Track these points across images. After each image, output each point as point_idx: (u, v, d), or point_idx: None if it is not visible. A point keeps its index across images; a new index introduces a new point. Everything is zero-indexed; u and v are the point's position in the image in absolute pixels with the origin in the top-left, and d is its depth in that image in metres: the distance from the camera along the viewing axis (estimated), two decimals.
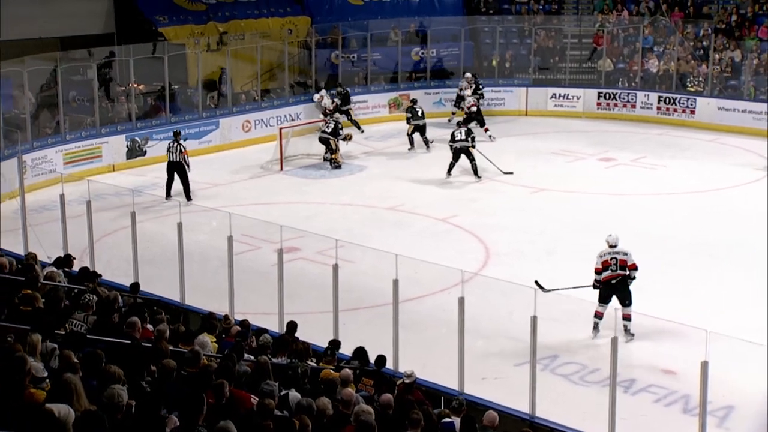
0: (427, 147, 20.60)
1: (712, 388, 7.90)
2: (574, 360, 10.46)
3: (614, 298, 10.96)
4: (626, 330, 10.80)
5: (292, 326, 9.25)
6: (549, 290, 10.89)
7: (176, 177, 16.81)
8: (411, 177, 18.45)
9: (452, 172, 18.14)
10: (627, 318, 10.84)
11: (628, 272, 10.91)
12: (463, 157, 18.05)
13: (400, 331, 9.43)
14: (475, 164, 18.04)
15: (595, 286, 11.03)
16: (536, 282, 11.02)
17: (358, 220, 15.95)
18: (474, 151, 18.03)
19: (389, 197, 17.22)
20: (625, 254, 10.97)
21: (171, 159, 16.85)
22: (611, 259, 10.94)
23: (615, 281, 10.90)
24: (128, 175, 18.80)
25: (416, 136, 20.67)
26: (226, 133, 21.29)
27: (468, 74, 23.03)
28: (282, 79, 23.17)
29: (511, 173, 18.23)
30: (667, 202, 16.74)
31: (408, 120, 20.84)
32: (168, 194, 16.72)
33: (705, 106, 22.55)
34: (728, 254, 13.70)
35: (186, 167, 16.80)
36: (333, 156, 19.21)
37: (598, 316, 10.92)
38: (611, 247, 11.03)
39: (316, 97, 22.10)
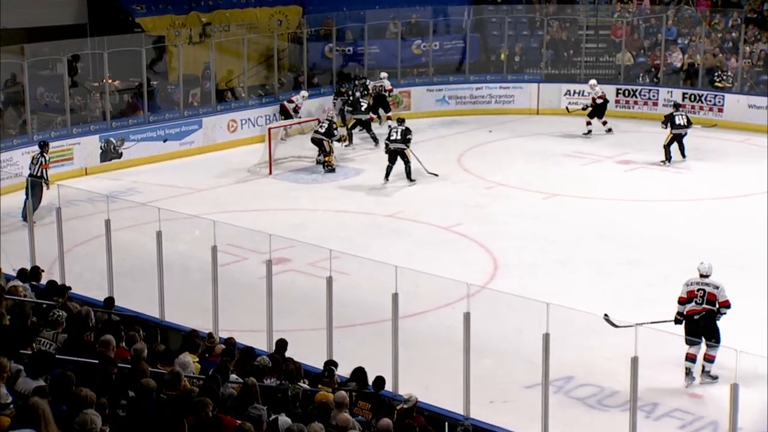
0: (376, 143, 20.83)
1: (743, 412, 7.90)
2: (591, 382, 10.46)
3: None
4: (705, 371, 10.36)
5: (282, 344, 9.25)
6: (621, 326, 10.28)
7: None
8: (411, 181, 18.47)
9: (390, 175, 18.19)
10: (710, 359, 10.34)
11: (717, 308, 10.36)
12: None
13: (399, 349, 9.41)
14: (410, 167, 18.11)
15: (677, 320, 10.51)
16: (605, 317, 10.65)
17: (353, 228, 15.96)
18: (408, 153, 18.14)
19: (388, 203, 17.23)
20: (717, 288, 10.45)
21: (31, 172, 15.89)
22: (698, 290, 10.47)
23: (698, 316, 10.38)
24: (102, 179, 18.79)
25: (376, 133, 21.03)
26: (210, 133, 21.30)
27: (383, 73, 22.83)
28: (271, 75, 23.20)
29: (436, 175, 18.40)
30: (692, 209, 16.76)
31: (348, 112, 21.34)
32: (24, 215, 14.80)
33: (734, 104, 22.59)
34: (757, 266, 13.70)
35: (44, 184, 15.53)
36: (326, 158, 19.24)
37: (690, 359, 10.36)
38: (702, 276, 10.56)
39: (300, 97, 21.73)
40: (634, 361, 8.10)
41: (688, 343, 10.32)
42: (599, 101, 21.79)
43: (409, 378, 9.37)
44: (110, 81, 20.59)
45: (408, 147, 18.15)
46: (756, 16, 24.03)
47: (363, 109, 21.32)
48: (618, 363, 10.58)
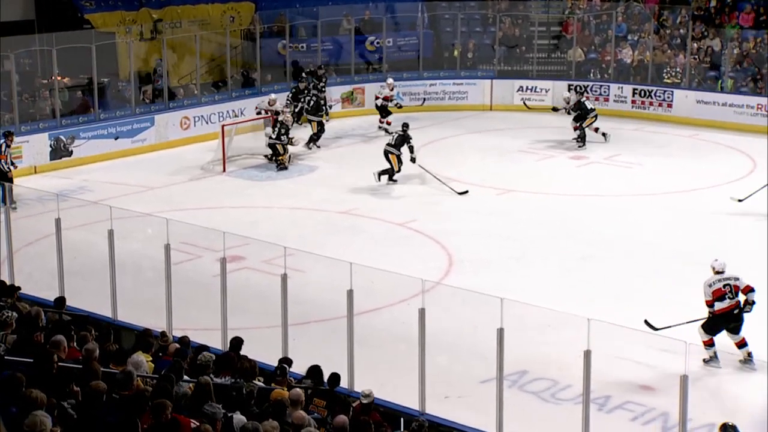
0: (309, 146, 20.53)
1: (693, 404, 8.02)
2: (545, 376, 10.55)
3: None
4: (747, 358, 10.52)
5: (237, 342, 9.20)
6: (661, 329, 10.48)
7: None
8: (366, 178, 18.46)
9: (395, 177, 18.02)
10: (744, 343, 10.53)
11: (746, 297, 10.53)
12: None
13: (355, 346, 9.42)
14: (392, 171, 17.83)
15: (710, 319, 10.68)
16: (646, 321, 10.69)
17: (308, 225, 15.93)
18: (393, 159, 17.79)
19: (342, 200, 17.22)
20: (737, 279, 10.64)
21: None
22: (725, 286, 10.60)
23: (737, 310, 10.54)
24: (52, 177, 18.55)
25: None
26: (162, 131, 21.11)
27: (390, 80, 22.65)
28: (224, 72, 23.03)
29: (467, 192, 17.52)
30: (643, 203, 16.98)
31: (307, 111, 20.95)
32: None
33: (683, 100, 22.91)
34: (709, 260, 13.90)
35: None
36: (280, 157, 19.17)
37: (710, 345, 10.58)
38: (718, 273, 10.71)
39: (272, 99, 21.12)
40: (587, 354, 8.18)
41: (708, 332, 10.56)
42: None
43: (365, 374, 9.37)
44: (59, 78, 20.31)
45: (396, 153, 17.80)
46: (703, 13, 24.39)
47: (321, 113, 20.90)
48: (571, 357, 10.72)
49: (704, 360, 10.62)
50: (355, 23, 24.73)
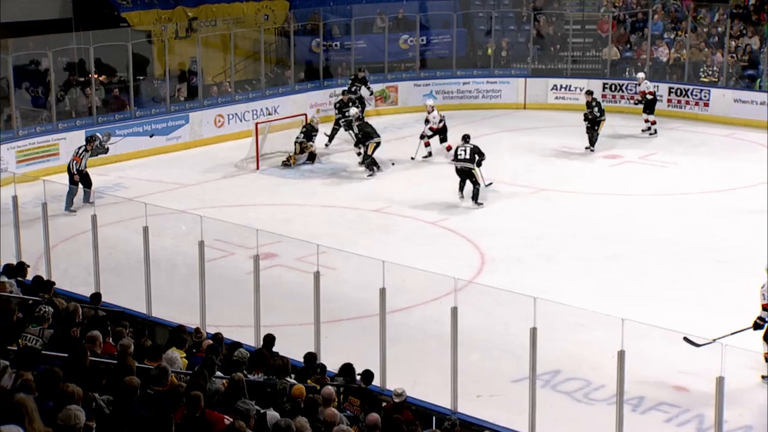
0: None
1: (729, 405, 7.94)
2: (578, 376, 10.49)
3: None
4: None
5: (270, 340, 9.24)
6: (703, 344, 9.95)
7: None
8: (399, 176, 18.47)
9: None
10: None
11: None
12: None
13: (387, 344, 9.42)
14: (478, 188, 16.53)
15: (756, 326, 10.32)
16: (686, 338, 10.27)
17: (341, 223, 15.96)
18: (477, 174, 16.52)
19: (375, 198, 17.23)
20: None
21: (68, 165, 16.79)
22: None
23: None
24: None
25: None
26: (197, 128, 21.25)
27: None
28: (258, 70, 23.15)
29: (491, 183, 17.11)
30: (678, 203, 16.82)
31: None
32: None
33: (720, 98, 22.67)
34: (743, 260, 13.76)
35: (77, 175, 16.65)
36: (290, 155, 19.31)
37: None
38: None
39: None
40: (621, 354, 8.13)
41: None
42: (649, 97, 21.51)
43: (397, 373, 9.38)
44: (96, 76, 20.51)
45: (477, 167, 16.51)
46: (741, 11, 24.12)
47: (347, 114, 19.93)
48: (605, 357, 10.65)
49: (762, 376, 10.33)
50: (388, 21, 24.73)
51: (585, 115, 20.08)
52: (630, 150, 20.23)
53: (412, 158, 19.44)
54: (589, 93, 20.50)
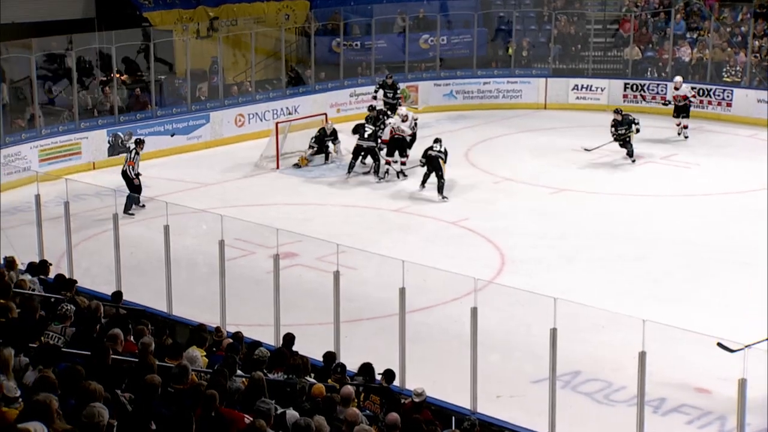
0: (377, 174, 18.45)
1: (752, 410, 7.89)
2: (598, 377, 10.46)
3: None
4: None
5: (290, 339, 9.26)
6: (737, 350, 9.54)
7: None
8: (419, 176, 18.42)
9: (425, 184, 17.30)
10: None
11: None
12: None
13: (407, 344, 9.42)
14: (443, 182, 16.91)
15: None
16: (719, 344, 9.93)
17: (361, 222, 15.97)
18: (443, 166, 16.97)
19: (395, 198, 17.23)
20: None
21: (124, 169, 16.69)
22: None
23: None
24: (110, 173, 18.75)
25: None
26: (217, 127, 21.33)
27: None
28: (278, 69, 23.20)
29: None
30: (700, 204, 16.73)
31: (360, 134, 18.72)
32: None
33: (743, 99, 22.53)
34: (765, 261, 13.67)
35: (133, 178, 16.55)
36: (302, 155, 19.37)
37: None
38: None
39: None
40: (642, 356, 8.09)
41: None
42: (693, 100, 21.17)
43: (416, 372, 9.37)
44: (118, 75, 20.63)
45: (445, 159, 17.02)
46: (765, 11, 23.93)
47: (367, 135, 18.59)
48: (626, 358, 10.60)
49: None
50: (409, 21, 24.72)
51: (613, 137, 19.59)
52: (652, 150, 20.12)
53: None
54: (617, 112, 19.96)
